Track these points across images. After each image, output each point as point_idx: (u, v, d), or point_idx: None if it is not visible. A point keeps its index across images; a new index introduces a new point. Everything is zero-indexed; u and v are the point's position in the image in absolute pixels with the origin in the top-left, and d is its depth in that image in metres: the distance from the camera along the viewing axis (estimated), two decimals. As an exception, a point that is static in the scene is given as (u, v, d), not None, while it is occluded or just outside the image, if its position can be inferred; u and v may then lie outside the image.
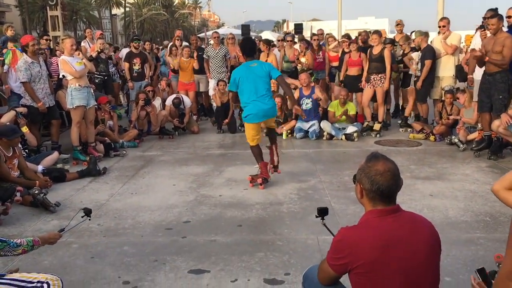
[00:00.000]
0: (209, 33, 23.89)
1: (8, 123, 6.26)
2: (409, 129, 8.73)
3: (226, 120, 9.26)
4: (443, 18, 8.55)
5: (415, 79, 8.48)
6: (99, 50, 9.15)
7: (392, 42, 9.36)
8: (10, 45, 7.76)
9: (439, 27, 8.57)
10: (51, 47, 10.62)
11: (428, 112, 8.71)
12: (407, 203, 5.00)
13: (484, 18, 7.17)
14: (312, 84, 8.81)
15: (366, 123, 8.73)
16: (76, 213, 3.43)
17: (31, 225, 4.70)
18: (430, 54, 8.17)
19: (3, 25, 16.29)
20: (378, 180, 2.08)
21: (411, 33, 9.94)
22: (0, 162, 5.23)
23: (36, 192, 5.04)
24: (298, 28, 23.94)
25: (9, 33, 9.88)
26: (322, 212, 2.67)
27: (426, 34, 8.52)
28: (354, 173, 2.25)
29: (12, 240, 2.90)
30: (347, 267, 2.08)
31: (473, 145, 7.05)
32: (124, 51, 11.00)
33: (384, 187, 2.08)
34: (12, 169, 5.56)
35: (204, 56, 9.90)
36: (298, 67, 9.51)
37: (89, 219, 3.36)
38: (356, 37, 10.14)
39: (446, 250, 3.85)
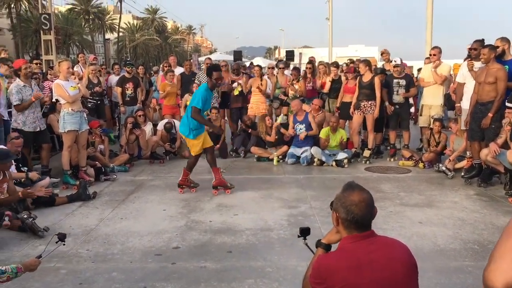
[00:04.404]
0: (201, 58, 24.16)
1: (0, 147, 6.23)
2: (396, 157, 8.79)
3: (217, 146, 9.30)
4: (435, 47, 8.72)
5: (397, 107, 8.62)
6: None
7: (383, 71, 9.52)
8: (3, 69, 7.71)
9: (430, 55, 8.77)
10: (43, 71, 10.66)
11: (409, 139, 8.84)
12: (396, 230, 5.04)
13: (470, 48, 7.34)
14: (307, 110, 8.92)
15: (354, 150, 8.81)
16: (51, 238, 3.38)
17: (19, 250, 4.65)
18: (414, 82, 8.58)
19: (-4, 48, 16.30)
20: (353, 210, 2.17)
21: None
22: (-10, 186, 5.21)
23: (25, 216, 5.00)
24: (290, 55, 24.33)
25: (3, 56, 9.90)
26: (304, 232, 2.70)
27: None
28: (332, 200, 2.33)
29: None
30: None
31: (463, 173, 7.13)
32: (113, 78, 10.98)
33: (359, 217, 2.17)
34: (1, 192, 5.52)
35: (196, 81, 9.98)
36: (289, 94, 9.63)
37: (64, 244, 3.34)
38: (347, 64, 10.34)
39: (435, 278, 3.88)
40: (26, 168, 6.79)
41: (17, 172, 6.46)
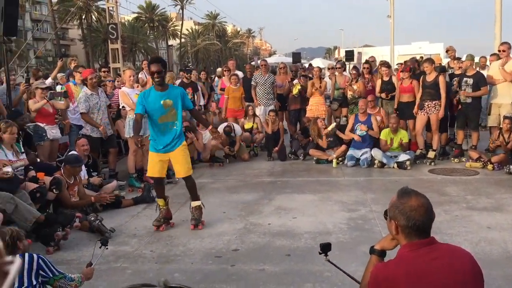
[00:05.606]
0: (260, 61, 24.35)
1: (73, 153, 6.61)
2: (463, 158, 8.39)
3: (276, 148, 9.33)
4: (503, 43, 8.29)
5: (464, 105, 8.22)
6: None
7: (443, 69, 9.11)
8: (77, 77, 8.20)
9: (499, 51, 8.33)
10: (113, 79, 11.19)
11: (478, 140, 8.41)
12: (462, 235, 4.83)
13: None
14: (374, 111, 8.74)
15: (419, 151, 8.50)
16: (95, 246, 3.56)
17: (89, 250, 4.88)
18: (485, 81, 8.05)
19: (68, 58, 17.34)
20: (414, 216, 2.10)
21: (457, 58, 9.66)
22: (63, 188, 5.55)
23: (92, 218, 5.28)
24: (349, 55, 23.90)
25: (73, 65, 10.48)
26: (325, 248, 2.64)
27: (472, 58, 8.40)
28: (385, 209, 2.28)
29: (68, 274, 3.19)
30: None
31: None
32: (176, 82, 11.36)
33: (420, 222, 2.10)
34: (73, 195, 5.88)
35: (252, 82, 10.04)
36: (348, 95, 9.49)
37: (107, 248, 3.55)
38: (405, 63, 10.01)
39: (504, 287, 3.68)
40: (96, 173, 7.17)
41: (87, 176, 6.84)
